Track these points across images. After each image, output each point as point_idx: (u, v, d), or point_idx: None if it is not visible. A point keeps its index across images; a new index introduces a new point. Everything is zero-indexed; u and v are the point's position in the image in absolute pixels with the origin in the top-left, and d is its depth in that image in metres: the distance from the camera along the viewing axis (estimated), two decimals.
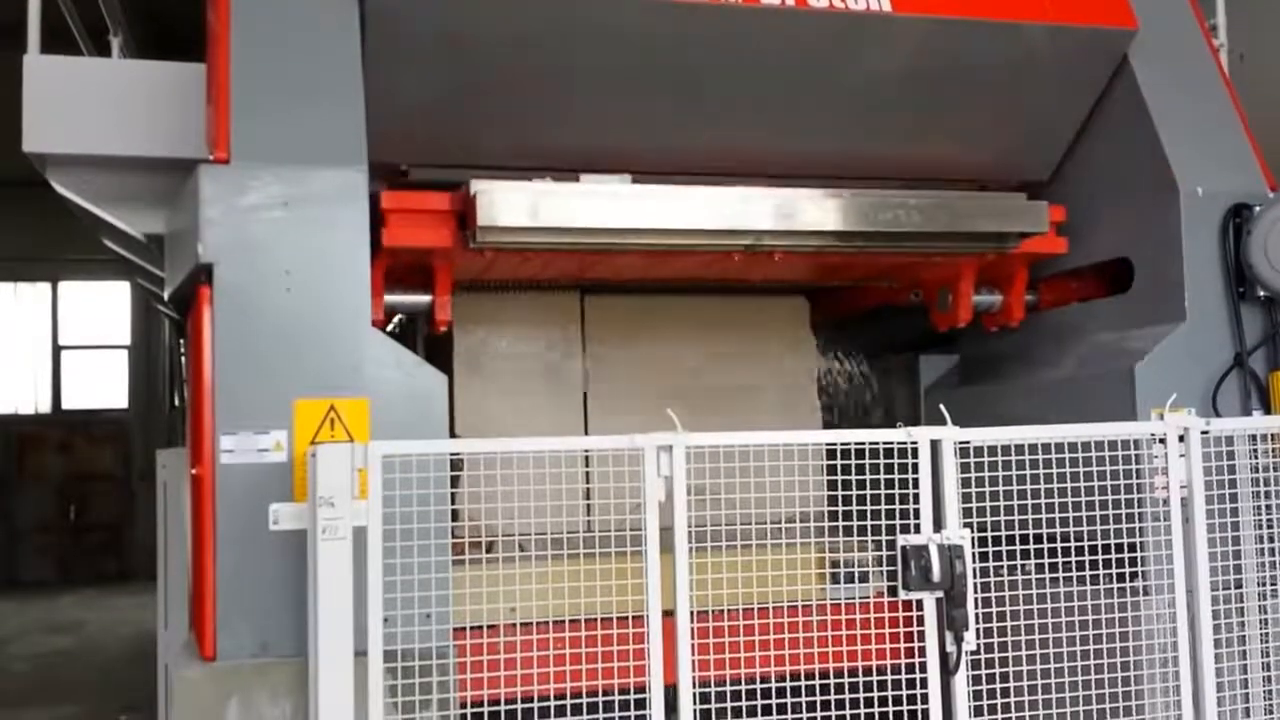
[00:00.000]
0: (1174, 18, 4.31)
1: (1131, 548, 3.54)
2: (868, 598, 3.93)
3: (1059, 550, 3.35)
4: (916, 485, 3.14)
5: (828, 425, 5.09)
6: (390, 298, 3.81)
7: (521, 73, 3.70)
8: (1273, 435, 3.61)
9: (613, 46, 3.70)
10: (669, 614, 2.98)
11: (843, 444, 3.22)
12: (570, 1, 3.55)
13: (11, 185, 10.11)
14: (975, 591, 3.12)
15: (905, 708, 3.12)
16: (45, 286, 15.39)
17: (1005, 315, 4.48)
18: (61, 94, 3.88)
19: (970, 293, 4.38)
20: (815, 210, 3.77)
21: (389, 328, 4.02)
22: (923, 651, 3.14)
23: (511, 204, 3.49)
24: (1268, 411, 3.82)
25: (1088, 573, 3.47)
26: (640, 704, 2.95)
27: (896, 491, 3.15)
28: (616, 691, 2.99)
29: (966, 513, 3.17)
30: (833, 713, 3.11)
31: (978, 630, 3.13)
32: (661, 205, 3.67)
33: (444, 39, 3.57)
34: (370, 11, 3.49)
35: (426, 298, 3.91)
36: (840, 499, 3.29)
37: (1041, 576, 3.41)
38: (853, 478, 3.20)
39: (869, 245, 3.93)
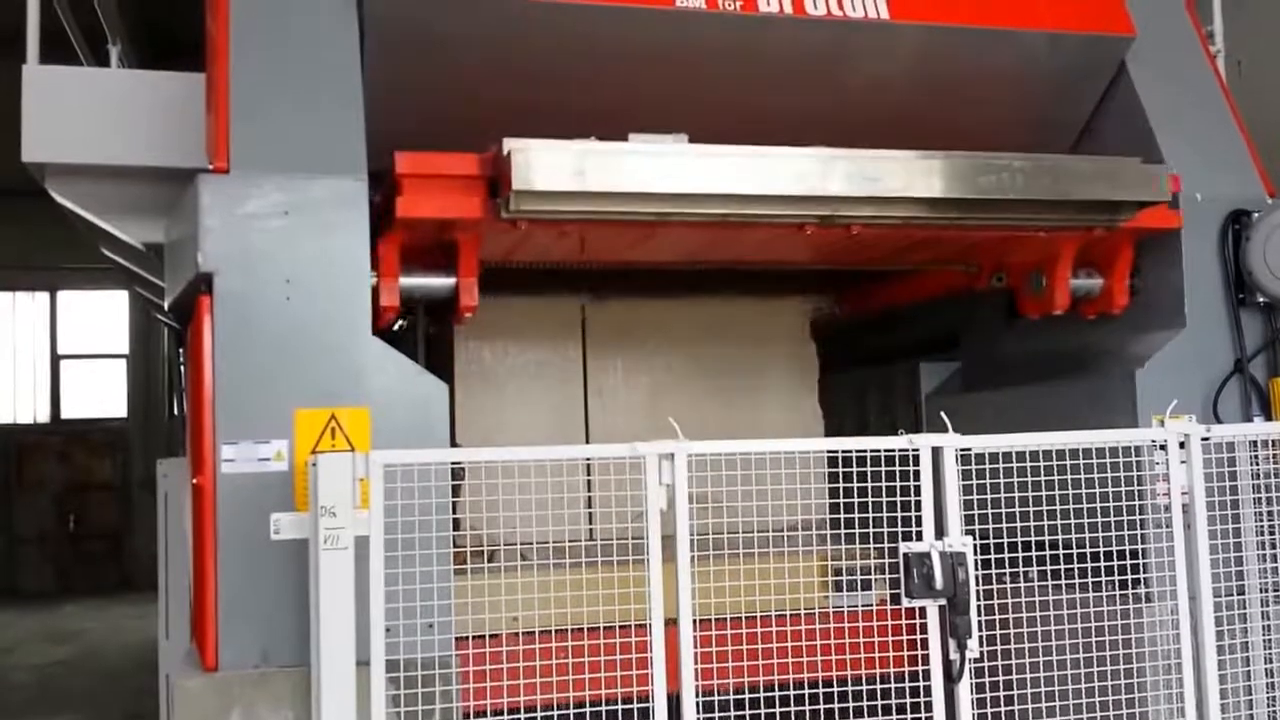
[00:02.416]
0: (1171, 25, 4.32)
1: (1134, 554, 3.53)
2: (870, 605, 3.93)
3: (1061, 557, 3.34)
4: (918, 492, 3.14)
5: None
6: (406, 280, 3.41)
7: (521, 82, 3.70)
8: (1274, 441, 3.61)
9: (610, 54, 3.70)
10: (671, 622, 2.98)
11: (844, 451, 3.22)
12: (569, 10, 3.56)
13: (10, 195, 10.11)
14: (978, 599, 3.11)
15: (909, 716, 3.11)
16: (44, 296, 15.39)
17: (1107, 301, 3.99)
18: (60, 104, 3.88)
19: (1068, 275, 3.92)
20: (903, 174, 3.29)
21: (392, 326, 3.90)
22: (926, 659, 3.13)
23: (553, 165, 3.01)
24: (1268, 418, 3.82)
25: (1090, 580, 3.47)
26: (644, 713, 2.94)
27: (899, 499, 3.14)
28: (620, 701, 2.98)
29: (969, 520, 3.17)
30: None
31: (981, 638, 3.12)
32: (728, 166, 3.17)
33: (443, 48, 3.57)
34: (369, 20, 3.50)
35: (450, 280, 3.47)
36: (842, 506, 3.28)
37: (1044, 583, 3.41)
38: (855, 485, 3.19)
39: (963, 217, 3.46)
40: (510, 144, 3.05)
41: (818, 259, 4.09)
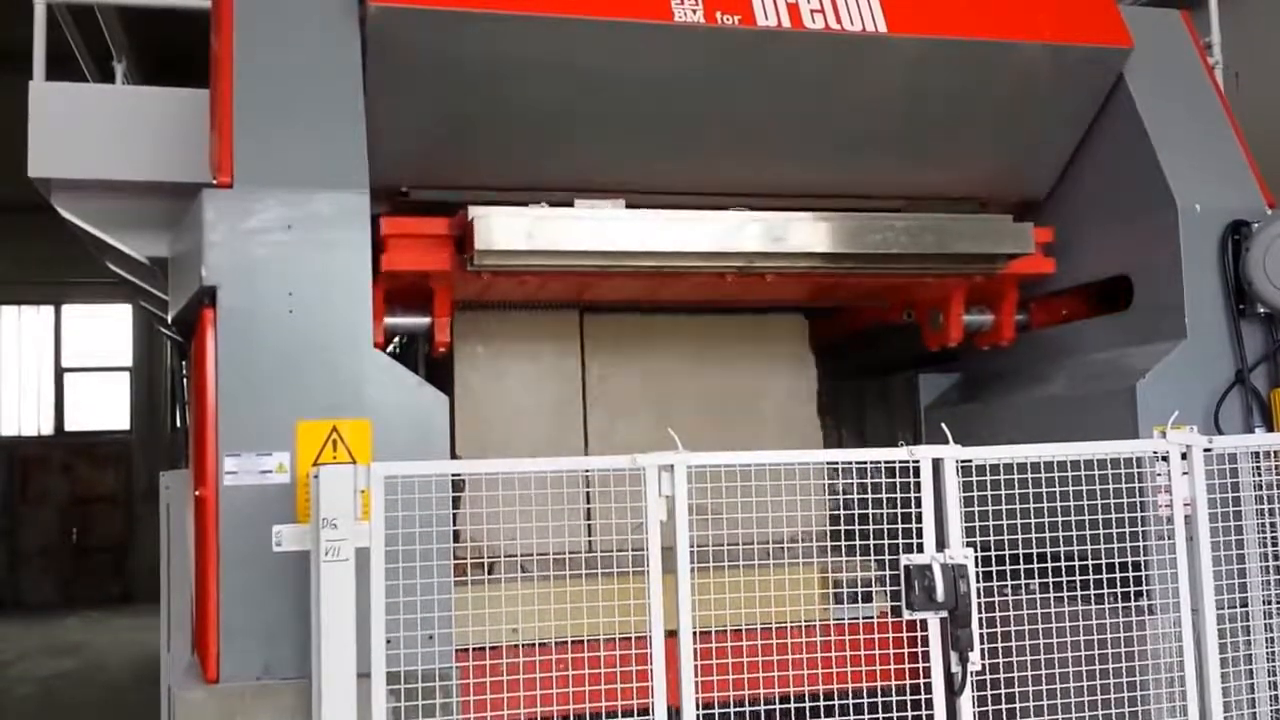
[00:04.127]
0: (1169, 36, 4.34)
1: (1135, 566, 3.52)
2: (871, 618, 3.92)
3: (1063, 569, 3.33)
4: (919, 504, 3.14)
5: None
6: (390, 320, 3.85)
7: (520, 97, 3.73)
8: (1275, 453, 3.60)
9: (609, 70, 3.72)
10: (672, 634, 2.97)
11: (845, 462, 3.22)
12: (566, 27, 3.58)
13: (15, 210, 10.17)
14: (979, 611, 3.10)
15: None
16: (48, 309, 15.46)
17: (996, 335, 4.54)
18: (66, 120, 3.92)
19: (961, 313, 4.44)
20: (805, 232, 3.84)
21: (390, 348, 4.05)
22: (927, 672, 3.12)
23: (508, 228, 3.55)
24: (1270, 428, 3.82)
25: (1092, 592, 3.46)
26: None
27: (899, 510, 3.14)
28: (620, 713, 2.98)
29: (970, 531, 3.17)
30: None
31: (982, 650, 3.12)
32: (654, 228, 3.74)
33: (444, 64, 3.60)
34: (371, 36, 3.52)
35: (426, 319, 3.97)
36: (843, 518, 3.28)
37: (1046, 595, 3.40)
38: (855, 496, 3.19)
39: (858, 267, 3.99)
40: (474, 211, 3.58)
41: (746, 299, 4.62)
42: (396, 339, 4.42)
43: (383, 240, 3.59)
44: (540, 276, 3.92)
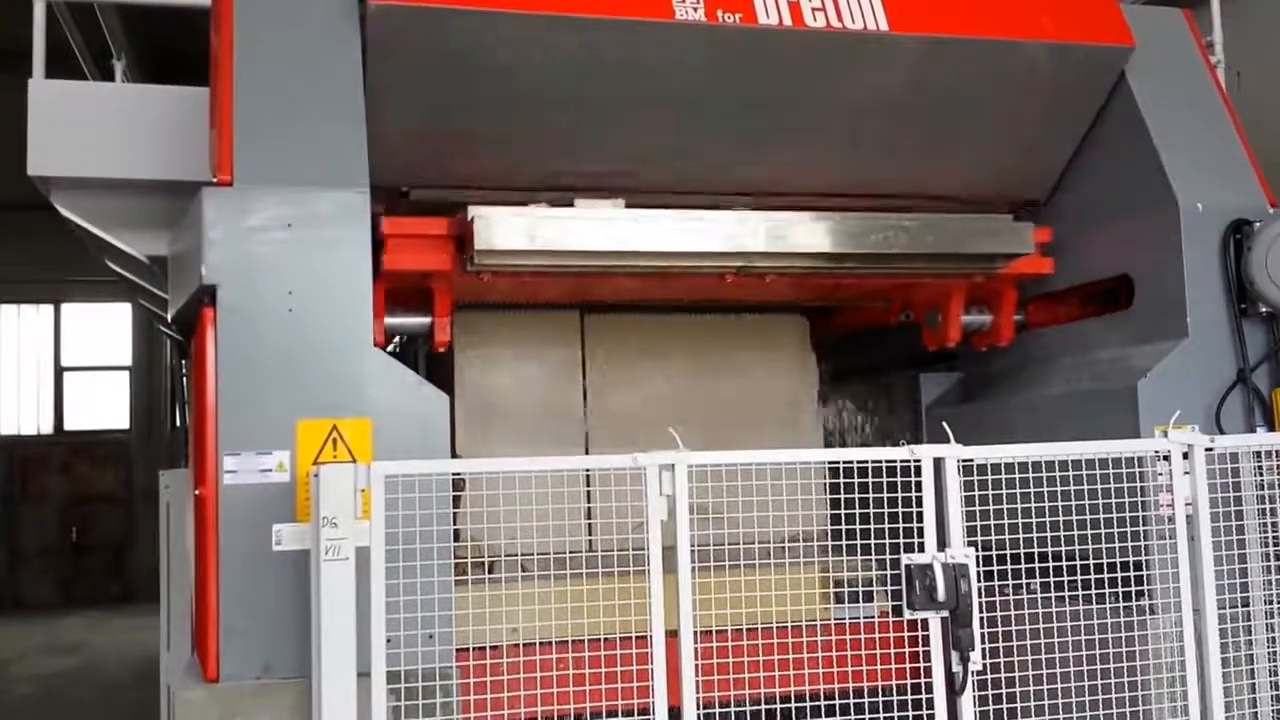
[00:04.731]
0: (1171, 35, 4.33)
1: (1137, 566, 3.52)
2: (872, 617, 3.91)
3: (1064, 569, 3.33)
4: (920, 504, 3.13)
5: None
6: (390, 319, 3.85)
7: (521, 95, 3.72)
8: (1277, 452, 3.60)
9: (610, 69, 3.72)
10: (672, 634, 2.97)
11: (846, 462, 3.21)
12: (568, 25, 3.58)
13: (14, 208, 10.17)
14: (980, 611, 3.10)
15: None
16: (48, 308, 15.45)
17: (994, 335, 4.53)
18: (65, 118, 3.91)
19: (959, 313, 4.43)
20: (804, 232, 3.83)
21: (390, 347, 4.05)
22: (928, 672, 3.12)
23: (508, 228, 3.55)
24: (1271, 428, 3.81)
25: (1093, 591, 3.45)
26: None
27: (900, 510, 3.14)
28: (620, 713, 2.97)
29: (971, 531, 3.16)
30: None
31: (983, 650, 3.11)
32: (654, 229, 3.72)
33: (444, 62, 3.59)
34: (372, 35, 3.52)
35: (426, 319, 3.96)
36: (844, 518, 3.28)
37: (1047, 595, 3.39)
38: (856, 496, 3.19)
39: (858, 267, 3.98)
40: (474, 211, 3.55)
41: (746, 298, 4.58)
42: (397, 338, 4.41)
43: (383, 239, 3.58)
44: (540, 277, 3.91)
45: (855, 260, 3.93)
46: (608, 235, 3.67)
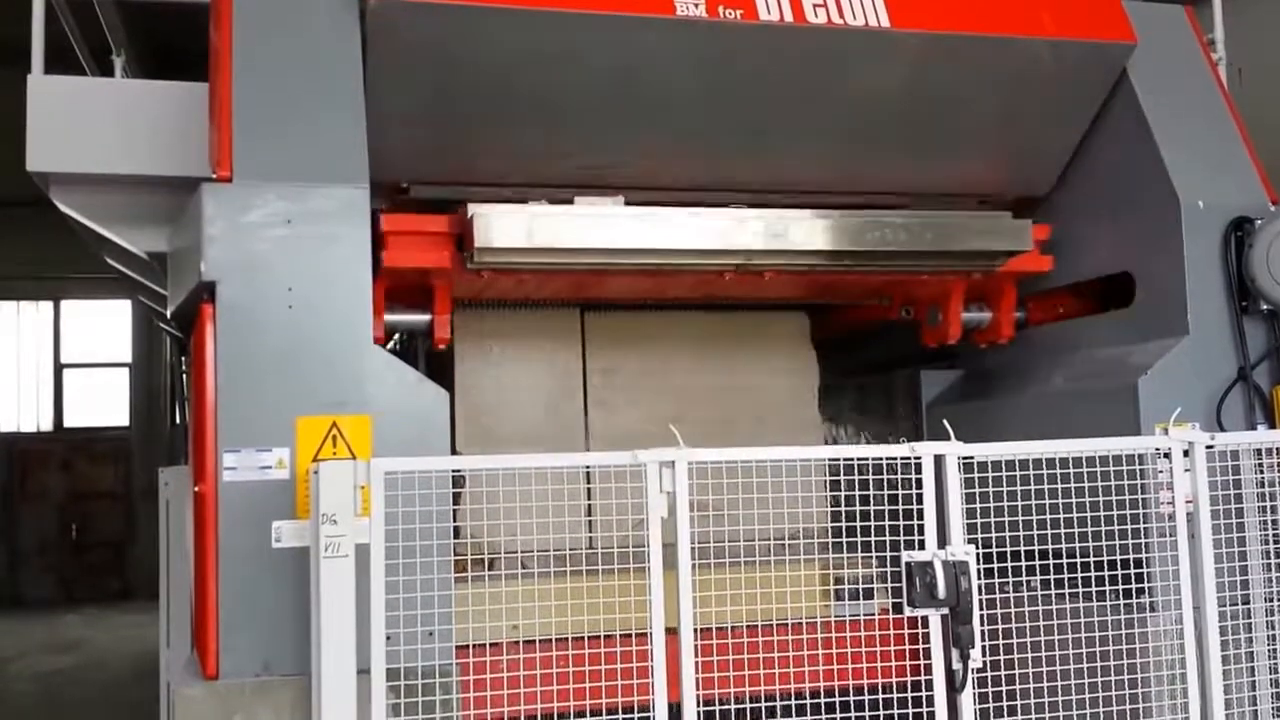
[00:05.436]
0: (1172, 32, 4.33)
1: (1137, 563, 3.52)
2: (872, 615, 3.91)
3: (1064, 566, 3.33)
4: (920, 501, 3.13)
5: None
6: (390, 316, 3.84)
7: (521, 91, 3.71)
8: (1278, 450, 3.60)
9: (610, 66, 3.71)
10: (672, 631, 2.97)
11: (846, 459, 3.21)
12: (568, 21, 3.57)
13: (14, 205, 10.15)
14: (981, 608, 3.10)
15: None
16: (47, 305, 15.43)
17: (994, 332, 4.54)
18: (65, 113, 3.90)
19: (959, 310, 4.43)
20: (803, 230, 3.83)
21: (390, 345, 4.04)
22: (928, 669, 3.12)
23: (507, 226, 3.55)
24: (1272, 426, 3.81)
25: (1094, 589, 3.45)
26: None
27: (900, 507, 3.13)
28: (620, 710, 2.97)
29: (971, 528, 3.16)
30: None
31: (984, 648, 3.11)
32: (653, 226, 3.73)
33: (445, 58, 3.58)
34: (372, 31, 3.51)
35: (426, 316, 3.96)
36: (844, 515, 3.27)
37: (1047, 593, 3.39)
38: (856, 493, 3.18)
39: (857, 264, 3.99)
40: (474, 209, 3.56)
41: (745, 296, 4.58)
42: (397, 336, 4.40)
43: (383, 237, 3.59)
44: (539, 275, 3.92)
45: (854, 258, 3.94)
46: (606, 233, 3.67)
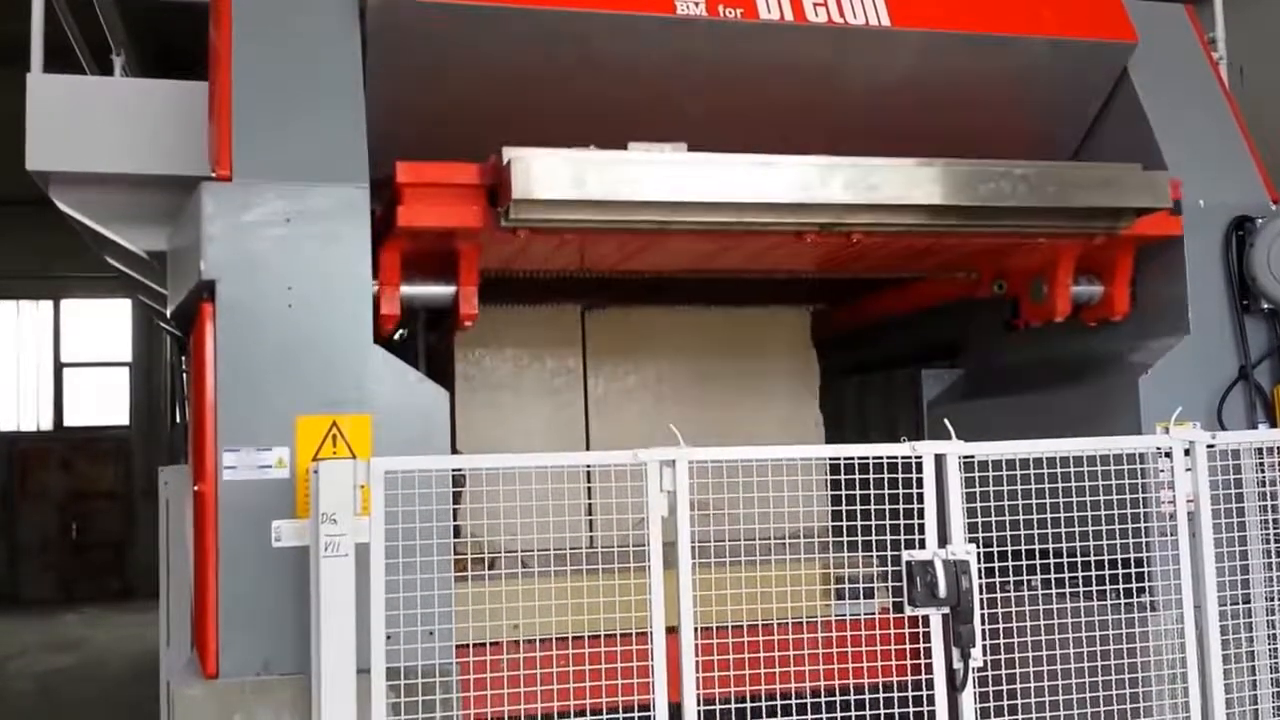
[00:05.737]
0: (1173, 31, 4.33)
1: (1138, 563, 3.52)
2: (873, 614, 3.91)
3: (1065, 565, 3.33)
4: (921, 500, 3.13)
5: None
6: (407, 288, 3.43)
7: (521, 90, 3.71)
8: (1278, 449, 3.60)
9: (610, 63, 3.71)
10: (673, 630, 2.96)
11: (847, 458, 3.21)
12: (569, 20, 3.56)
13: (14, 203, 10.14)
14: (981, 607, 3.10)
15: None
16: (47, 304, 15.42)
17: (1107, 307, 3.98)
18: (64, 112, 3.89)
19: (1069, 282, 3.91)
20: (904, 182, 3.25)
21: (394, 335, 3.93)
22: (929, 668, 3.11)
23: (553, 174, 2.98)
24: (1273, 425, 3.81)
25: (1094, 588, 3.45)
26: None
27: (901, 506, 3.13)
28: (620, 709, 2.97)
29: (972, 527, 3.16)
30: None
31: (984, 646, 3.11)
32: (727, 174, 3.15)
33: (444, 57, 3.58)
34: (371, 29, 3.51)
35: (450, 289, 3.49)
36: (845, 514, 3.27)
37: (1048, 592, 3.39)
38: (857, 492, 3.18)
39: (962, 223, 3.45)
40: (510, 153, 3.03)
41: (818, 267, 4.07)
42: (397, 333, 4.40)
43: (398, 190, 3.18)
44: (587, 235, 3.31)
45: (960, 215, 3.38)
46: (669, 183, 3.07)
